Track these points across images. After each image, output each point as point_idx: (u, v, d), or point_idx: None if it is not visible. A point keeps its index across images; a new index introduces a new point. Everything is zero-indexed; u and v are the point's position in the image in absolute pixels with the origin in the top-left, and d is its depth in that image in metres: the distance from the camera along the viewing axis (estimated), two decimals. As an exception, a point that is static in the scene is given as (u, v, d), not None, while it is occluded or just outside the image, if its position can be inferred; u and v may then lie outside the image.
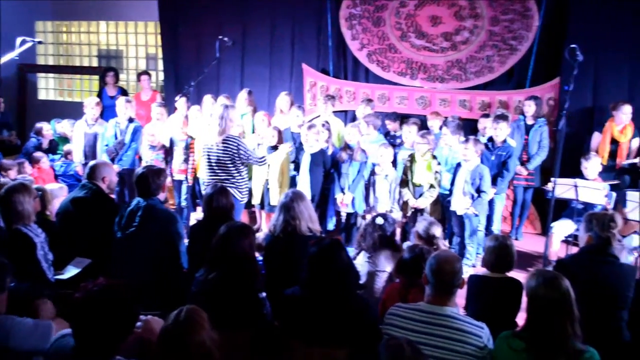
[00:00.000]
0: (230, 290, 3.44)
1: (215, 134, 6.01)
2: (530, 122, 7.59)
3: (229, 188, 5.18)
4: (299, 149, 7.11)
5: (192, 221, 7.19)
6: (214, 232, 3.77)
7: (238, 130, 7.20)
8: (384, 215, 4.79)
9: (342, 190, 6.84)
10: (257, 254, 4.24)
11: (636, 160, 7.03)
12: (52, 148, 8.70)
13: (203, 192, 5.76)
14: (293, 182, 7.21)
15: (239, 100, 8.24)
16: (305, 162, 6.90)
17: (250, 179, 6.88)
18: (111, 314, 2.47)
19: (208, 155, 6.07)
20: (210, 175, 6.08)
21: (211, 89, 9.31)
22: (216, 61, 8.10)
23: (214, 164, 6.04)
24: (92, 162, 5.25)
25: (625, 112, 7.21)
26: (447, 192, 6.79)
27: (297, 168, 7.10)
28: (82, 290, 2.54)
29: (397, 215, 6.58)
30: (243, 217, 7.52)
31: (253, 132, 7.96)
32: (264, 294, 3.94)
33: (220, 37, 7.94)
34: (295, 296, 3.40)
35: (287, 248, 4.31)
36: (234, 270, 3.53)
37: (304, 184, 6.88)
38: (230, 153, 5.95)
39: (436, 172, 6.66)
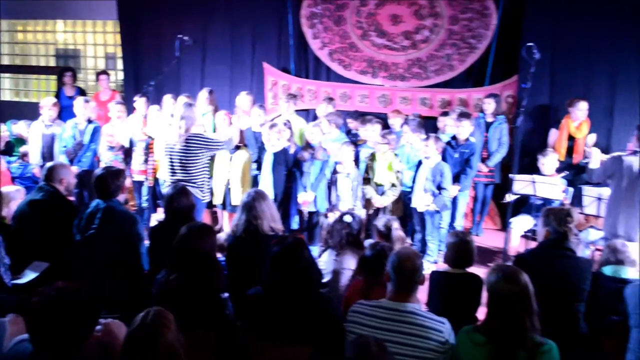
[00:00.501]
0: (192, 292, 3.40)
1: (177, 134, 5.96)
2: (490, 119, 7.70)
3: (190, 188, 5.13)
4: (261, 148, 7.09)
5: (153, 222, 7.11)
6: (175, 233, 3.73)
7: (199, 129, 7.16)
8: (351, 213, 4.81)
9: (304, 189, 6.85)
10: (219, 255, 4.23)
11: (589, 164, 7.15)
12: (9, 149, 8.50)
13: (163, 193, 5.71)
14: (255, 181, 7.19)
15: (200, 99, 8.17)
16: (268, 161, 6.88)
17: (211, 178, 6.84)
18: (69, 317, 2.43)
19: (170, 155, 6.01)
20: (172, 175, 6.02)
21: (171, 88, 9.21)
22: (176, 60, 8.05)
23: (175, 164, 5.98)
24: (49, 164, 5.15)
25: (581, 109, 7.36)
26: (409, 190, 6.85)
27: (259, 167, 7.07)
28: (39, 294, 2.49)
29: (360, 213, 6.64)
30: (205, 218, 7.47)
31: (214, 131, 7.91)
32: (226, 295, 3.93)
33: (180, 36, 7.88)
34: (258, 296, 3.38)
35: (249, 248, 4.29)
36: (196, 271, 3.50)
37: (266, 183, 6.86)
38: (194, 151, 5.91)
39: (397, 171, 6.70)
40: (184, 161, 5.93)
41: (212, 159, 6.72)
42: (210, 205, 7.19)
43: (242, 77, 9.70)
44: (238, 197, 6.96)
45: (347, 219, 4.67)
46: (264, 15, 9.45)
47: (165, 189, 6.20)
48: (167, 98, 8.14)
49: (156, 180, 7.52)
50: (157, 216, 7.51)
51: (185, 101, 6.90)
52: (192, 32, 8.94)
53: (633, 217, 5.24)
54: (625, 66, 7.84)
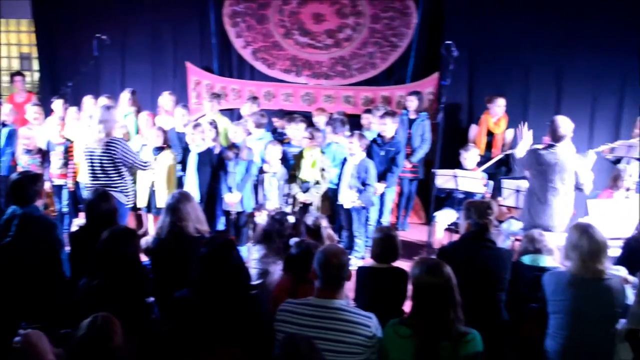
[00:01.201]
0: (116, 297, 3.33)
1: (97, 137, 5.80)
2: (412, 116, 7.85)
3: (112, 192, 5.01)
4: (185, 148, 6.99)
5: (74, 227, 6.90)
6: (97, 237, 3.64)
7: (122, 131, 7.02)
8: (285, 213, 4.81)
9: (229, 189, 6.79)
10: (144, 258, 4.15)
11: (515, 150, 7.40)
12: None
13: (84, 197, 5.55)
14: (180, 182, 7.08)
15: (122, 100, 8.00)
16: (192, 162, 6.79)
17: (134, 182, 6.70)
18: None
19: (90, 158, 5.84)
20: (93, 179, 5.86)
21: (90, 89, 8.92)
22: (94, 60, 7.83)
23: (96, 168, 5.82)
24: (-40, 170, 4.93)
25: (499, 105, 7.62)
26: (335, 187, 6.91)
27: (184, 168, 6.97)
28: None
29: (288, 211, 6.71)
30: (129, 221, 7.30)
31: (137, 132, 7.76)
32: (151, 299, 3.86)
33: (98, 35, 7.67)
34: (186, 298, 3.35)
35: (174, 250, 4.23)
36: (119, 276, 3.43)
37: (192, 185, 6.77)
38: (114, 156, 5.76)
39: (322, 168, 6.75)
40: (105, 166, 5.78)
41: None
42: (134, 208, 7.05)
43: (164, 77, 9.54)
44: (163, 199, 6.82)
45: (291, 219, 4.68)
46: (185, 14, 9.32)
47: (86, 192, 6.02)
48: (88, 99, 7.93)
49: (77, 184, 7.30)
50: (79, 221, 7.29)
51: (104, 104, 6.72)
52: (111, 30, 8.69)
53: (549, 208, 5.45)
54: (539, 63, 8.20)
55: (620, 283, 3.77)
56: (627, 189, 6.42)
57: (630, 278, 4.11)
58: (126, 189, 5.93)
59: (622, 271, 4.32)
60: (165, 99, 8.06)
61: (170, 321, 3.45)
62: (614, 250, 4.73)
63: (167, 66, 9.54)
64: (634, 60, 7.91)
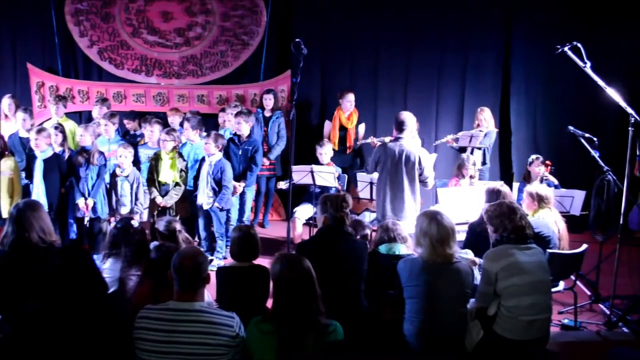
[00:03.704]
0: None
1: None
2: (268, 114, 7.91)
3: None
4: (30, 155, 6.59)
5: None
6: None
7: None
8: (129, 219, 4.66)
9: (82, 195, 6.49)
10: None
11: (368, 141, 7.66)
12: None
13: None
14: (27, 191, 6.66)
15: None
16: (38, 168, 6.41)
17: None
18: None
19: None
20: None
21: None
22: None
23: None
24: None
25: (349, 100, 7.89)
26: (193, 188, 6.81)
27: (29, 176, 6.56)
28: None
29: (144, 215, 6.59)
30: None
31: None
32: (-1, 317, 3.63)
33: None
34: (35, 311, 3.16)
35: (19, 263, 3.97)
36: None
37: (39, 193, 6.39)
38: None
39: (181, 169, 6.65)
40: None
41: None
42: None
43: (3, 80, 8.88)
44: (7, 210, 6.40)
45: (135, 223, 4.54)
46: (24, 12, 8.74)
47: None
48: None
49: None
50: None
51: None
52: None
53: (398, 198, 5.70)
54: (386, 60, 8.57)
55: (468, 265, 4.01)
56: (471, 177, 6.88)
57: (478, 260, 4.38)
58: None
59: (470, 254, 4.63)
60: (5, 103, 7.57)
61: (19, 337, 3.24)
62: (462, 235, 5.05)
63: (6, 68, 8.89)
64: (471, 56, 8.53)
